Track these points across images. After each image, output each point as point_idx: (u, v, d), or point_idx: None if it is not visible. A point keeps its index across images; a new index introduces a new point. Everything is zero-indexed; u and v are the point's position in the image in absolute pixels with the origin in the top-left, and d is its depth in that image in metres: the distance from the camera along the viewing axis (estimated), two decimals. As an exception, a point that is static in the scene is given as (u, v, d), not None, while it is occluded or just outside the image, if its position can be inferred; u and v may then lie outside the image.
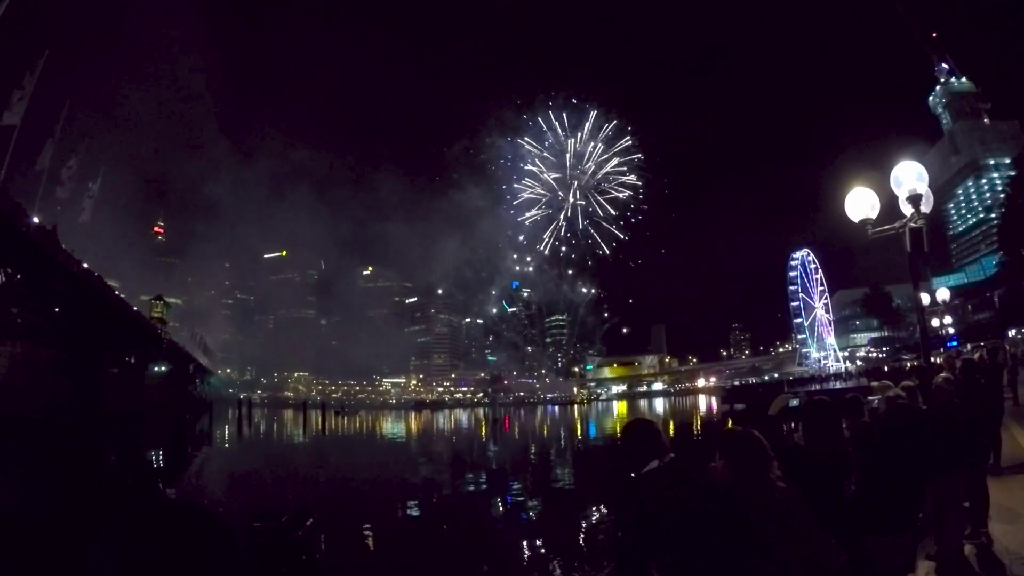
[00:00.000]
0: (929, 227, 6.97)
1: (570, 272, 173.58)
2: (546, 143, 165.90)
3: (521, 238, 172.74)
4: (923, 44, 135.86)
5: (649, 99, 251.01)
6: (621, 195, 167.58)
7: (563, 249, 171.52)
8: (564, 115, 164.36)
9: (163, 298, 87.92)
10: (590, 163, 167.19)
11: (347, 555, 10.53)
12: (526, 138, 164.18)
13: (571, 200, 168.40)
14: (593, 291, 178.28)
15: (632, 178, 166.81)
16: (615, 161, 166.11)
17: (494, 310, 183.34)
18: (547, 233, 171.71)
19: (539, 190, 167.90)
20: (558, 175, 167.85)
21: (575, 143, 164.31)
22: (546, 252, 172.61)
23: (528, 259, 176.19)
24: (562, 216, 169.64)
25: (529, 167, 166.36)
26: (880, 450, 3.95)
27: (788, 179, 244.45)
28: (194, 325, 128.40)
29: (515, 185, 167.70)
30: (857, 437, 4.10)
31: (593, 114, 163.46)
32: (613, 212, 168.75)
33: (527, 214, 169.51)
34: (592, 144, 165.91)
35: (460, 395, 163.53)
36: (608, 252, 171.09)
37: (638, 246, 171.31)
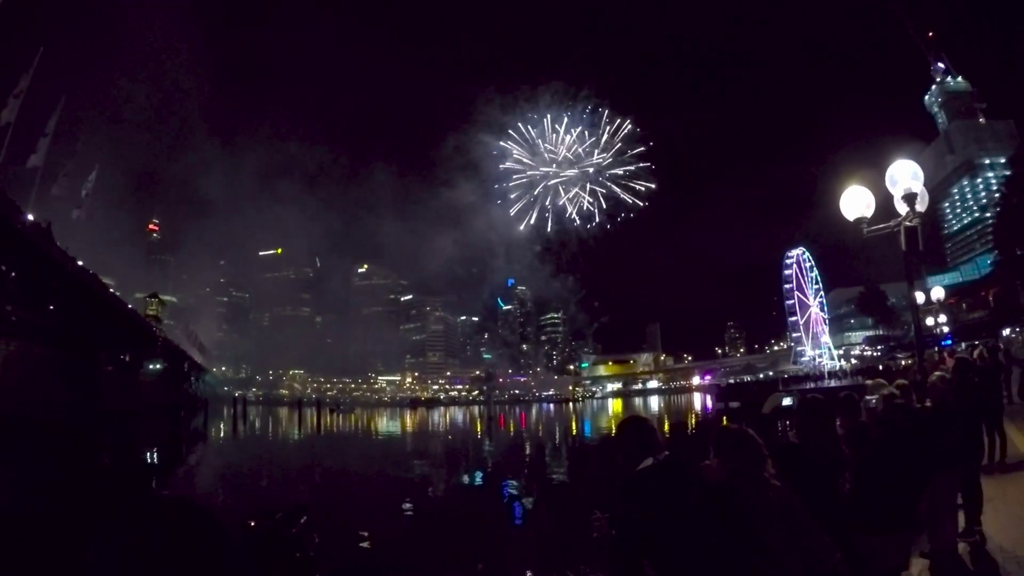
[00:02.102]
0: (924, 226, 6.99)
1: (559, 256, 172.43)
2: (536, 136, 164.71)
3: (516, 234, 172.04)
4: (919, 43, 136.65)
5: (644, 97, 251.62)
6: (615, 193, 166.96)
7: (550, 226, 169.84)
8: (552, 108, 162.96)
9: (158, 296, 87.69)
10: (581, 152, 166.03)
11: (342, 552, 10.51)
12: (517, 126, 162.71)
13: (562, 190, 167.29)
14: (578, 285, 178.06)
15: (623, 170, 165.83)
16: (608, 154, 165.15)
17: (489, 307, 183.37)
18: (535, 220, 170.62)
19: (528, 175, 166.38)
20: (549, 165, 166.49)
21: (559, 132, 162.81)
22: (538, 248, 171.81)
23: (522, 256, 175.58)
24: (549, 202, 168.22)
25: (518, 158, 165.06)
26: (876, 449, 3.96)
27: (784, 177, 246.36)
28: (189, 323, 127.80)
29: (505, 184, 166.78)
30: (852, 436, 4.11)
31: (589, 107, 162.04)
32: (604, 205, 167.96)
33: (517, 205, 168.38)
34: (586, 136, 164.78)
35: (455, 393, 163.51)
36: (601, 245, 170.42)
37: (633, 243, 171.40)
